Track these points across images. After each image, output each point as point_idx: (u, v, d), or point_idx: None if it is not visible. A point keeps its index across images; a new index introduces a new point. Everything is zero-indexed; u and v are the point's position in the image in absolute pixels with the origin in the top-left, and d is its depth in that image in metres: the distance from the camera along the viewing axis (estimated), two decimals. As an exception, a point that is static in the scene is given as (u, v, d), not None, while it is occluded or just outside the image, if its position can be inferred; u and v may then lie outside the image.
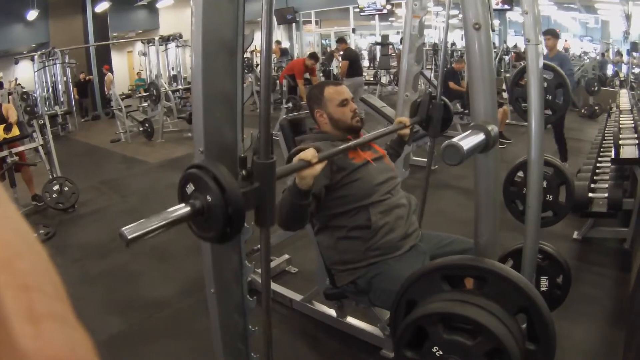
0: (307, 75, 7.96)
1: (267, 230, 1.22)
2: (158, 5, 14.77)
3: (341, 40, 8.84)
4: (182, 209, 1.07)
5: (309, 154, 1.47)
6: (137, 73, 14.28)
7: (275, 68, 10.14)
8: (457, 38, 16.11)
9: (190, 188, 1.09)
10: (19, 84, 11.59)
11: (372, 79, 10.70)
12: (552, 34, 5.03)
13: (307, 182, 1.54)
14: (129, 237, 0.96)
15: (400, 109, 3.39)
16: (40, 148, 4.93)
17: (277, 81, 8.50)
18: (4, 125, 4.51)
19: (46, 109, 8.42)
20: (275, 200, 1.21)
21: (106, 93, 11.70)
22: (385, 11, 14.22)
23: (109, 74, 12.00)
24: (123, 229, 0.96)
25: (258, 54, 10.07)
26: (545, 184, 2.61)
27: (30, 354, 0.24)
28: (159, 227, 1.02)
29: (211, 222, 1.07)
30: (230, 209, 1.04)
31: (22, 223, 0.30)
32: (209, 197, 1.05)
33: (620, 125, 4.26)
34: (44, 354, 0.24)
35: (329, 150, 1.67)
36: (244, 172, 1.14)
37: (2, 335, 0.24)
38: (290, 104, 7.52)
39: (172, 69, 10.14)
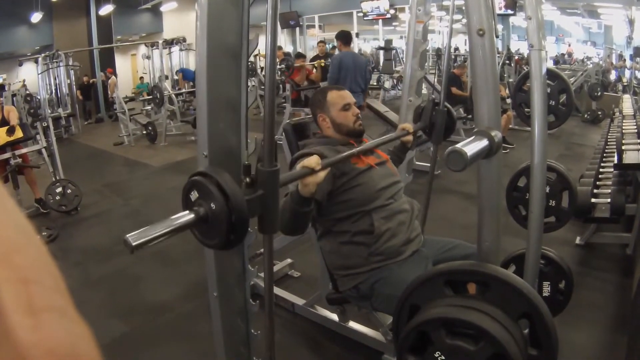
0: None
1: (271, 237, 1.22)
2: (162, 9, 14.85)
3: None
4: (186, 216, 1.08)
5: (313, 161, 1.44)
6: (140, 78, 14.31)
7: (279, 72, 10.13)
8: (460, 42, 16.11)
9: (194, 195, 1.10)
10: (24, 86, 11.62)
11: (375, 83, 10.68)
12: (341, 39, 5.55)
13: (310, 190, 1.51)
14: (134, 244, 0.98)
15: (404, 114, 3.38)
16: (43, 150, 4.94)
17: (281, 85, 8.49)
18: (7, 127, 4.53)
19: (49, 111, 8.45)
20: (279, 207, 1.21)
21: (110, 96, 11.74)
22: (388, 16, 14.23)
23: (113, 77, 12.03)
24: (127, 236, 0.98)
25: (262, 58, 10.04)
26: (548, 189, 2.61)
27: (30, 346, 0.23)
28: (163, 234, 1.03)
29: (215, 229, 1.07)
30: (234, 216, 1.05)
31: (21, 217, 0.30)
32: (213, 205, 1.05)
33: (623, 131, 4.24)
34: (43, 346, 0.24)
35: (332, 157, 1.65)
36: (247, 179, 1.14)
37: (1, 328, 0.23)
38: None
39: (176, 73, 10.16)
